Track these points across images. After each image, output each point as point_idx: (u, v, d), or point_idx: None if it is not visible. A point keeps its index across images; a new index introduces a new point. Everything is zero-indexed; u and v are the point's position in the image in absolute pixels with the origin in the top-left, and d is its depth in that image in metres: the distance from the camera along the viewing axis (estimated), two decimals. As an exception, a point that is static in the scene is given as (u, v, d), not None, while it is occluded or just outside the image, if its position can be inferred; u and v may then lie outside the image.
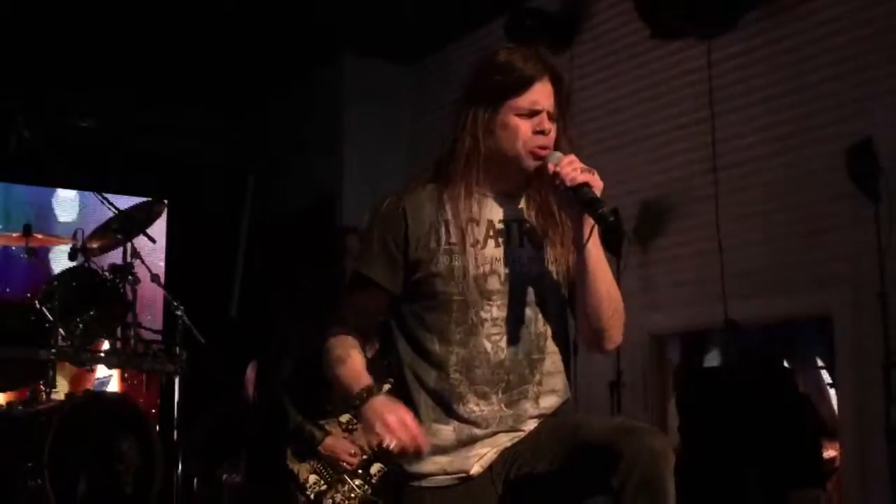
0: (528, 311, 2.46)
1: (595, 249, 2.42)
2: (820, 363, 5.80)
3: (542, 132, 2.44)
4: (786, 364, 6.12)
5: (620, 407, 5.47)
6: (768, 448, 5.10)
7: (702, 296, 5.50)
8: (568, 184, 2.35)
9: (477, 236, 2.46)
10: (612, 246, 2.43)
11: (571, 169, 2.36)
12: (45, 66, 7.18)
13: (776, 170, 5.25)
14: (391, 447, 2.27)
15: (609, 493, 2.23)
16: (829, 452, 5.43)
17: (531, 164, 2.45)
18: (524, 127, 2.43)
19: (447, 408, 2.44)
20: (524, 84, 2.43)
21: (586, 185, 2.35)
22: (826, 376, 5.73)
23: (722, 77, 5.48)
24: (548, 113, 2.45)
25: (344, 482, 4.11)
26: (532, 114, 2.44)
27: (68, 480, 4.60)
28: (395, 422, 2.30)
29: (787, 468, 5.20)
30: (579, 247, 2.42)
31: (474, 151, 2.45)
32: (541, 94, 2.45)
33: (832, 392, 5.55)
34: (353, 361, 2.47)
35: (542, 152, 2.44)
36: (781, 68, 5.28)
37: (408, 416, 2.32)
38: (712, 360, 6.17)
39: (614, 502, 2.23)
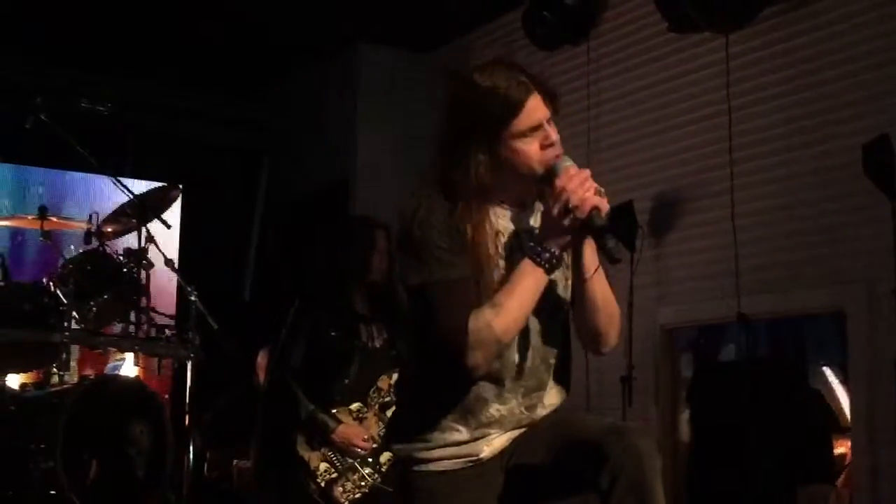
0: (547, 318, 2.46)
1: (591, 262, 2.41)
2: (832, 359, 5.78)
3: (552, 144, 2.38)
4: (798, 360, 6.12)
5: (631, 401, 5.46)
6: (779, 443, 5.10)
7: (715, 290, 5.48)
8: (577, 204, 2.28)
9: (503, 250, 2.43)
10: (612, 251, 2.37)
11: (583, 190, 2.29)
12: (63, 48, 7.20)
13: (792, 165, 5.23)
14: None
15: (598, 491, 2.25)
16: (840, 449, 5.42)
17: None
18: (533, 147, 2.36)
19: (469, 411, 2.43)
20: (517, 106, 2.34)
21: (596, 208, 2.29)
22: (838, 372, 5.72)
23: (739, 72, 5.46)
24: (547, 122, 2.39)
25: (354, 470, 4.13)
26: (534, 130, 2.37)
27: (80, 463, 4.63)
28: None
29: (797, 463, 5.20)
30: (577, 261, 2.42)
31: (482, 189, 2.37)
32: (536, 109, 2.37)
33: (843, 388, 5.55)
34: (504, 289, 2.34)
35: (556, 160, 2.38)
36: (799, 63, 5.25)
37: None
38: (724, 354, 6.16)
39: (602, 501, 2.25)
